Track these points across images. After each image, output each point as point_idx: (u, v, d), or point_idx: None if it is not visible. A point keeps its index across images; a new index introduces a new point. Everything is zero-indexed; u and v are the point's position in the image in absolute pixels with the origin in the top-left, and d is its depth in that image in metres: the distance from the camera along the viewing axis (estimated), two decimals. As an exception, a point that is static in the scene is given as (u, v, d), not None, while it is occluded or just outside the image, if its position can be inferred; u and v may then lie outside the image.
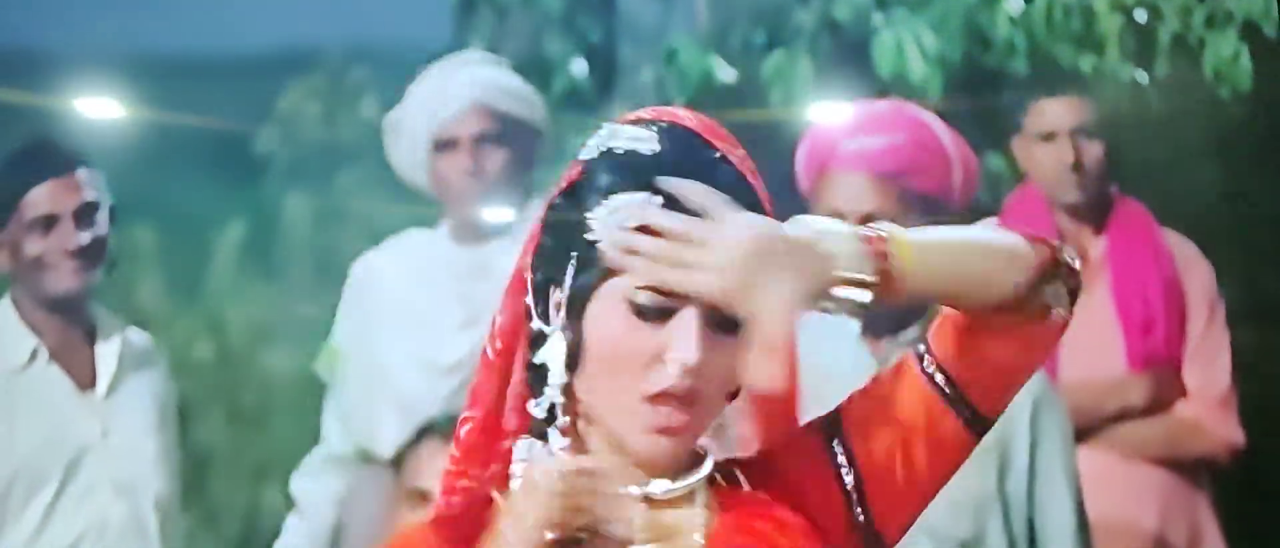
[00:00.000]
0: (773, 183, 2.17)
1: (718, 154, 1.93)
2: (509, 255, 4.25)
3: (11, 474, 3.85)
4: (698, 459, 1.97)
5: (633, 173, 1.90)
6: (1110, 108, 5.42)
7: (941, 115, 3.63)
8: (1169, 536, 4.31)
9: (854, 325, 3.49)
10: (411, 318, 4.18)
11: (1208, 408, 4.31)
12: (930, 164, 3.48)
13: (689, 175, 1.88)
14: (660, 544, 1.93)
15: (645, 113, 1.98)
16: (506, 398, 1.97)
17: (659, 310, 1.87)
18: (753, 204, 1.91)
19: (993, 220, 4.45)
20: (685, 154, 1.92)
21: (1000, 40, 5.91)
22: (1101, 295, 4.34)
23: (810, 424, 2.01)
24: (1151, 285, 4.33)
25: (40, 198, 3.91)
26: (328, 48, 6.09)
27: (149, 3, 6.19)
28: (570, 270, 1.92)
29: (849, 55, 6.00)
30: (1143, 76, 5.83)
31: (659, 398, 1.88)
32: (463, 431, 1.98)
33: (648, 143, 1.92)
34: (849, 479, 1.99)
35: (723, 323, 1.87)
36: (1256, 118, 5.83)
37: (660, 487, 1.93)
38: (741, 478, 1.98)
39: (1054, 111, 4.39)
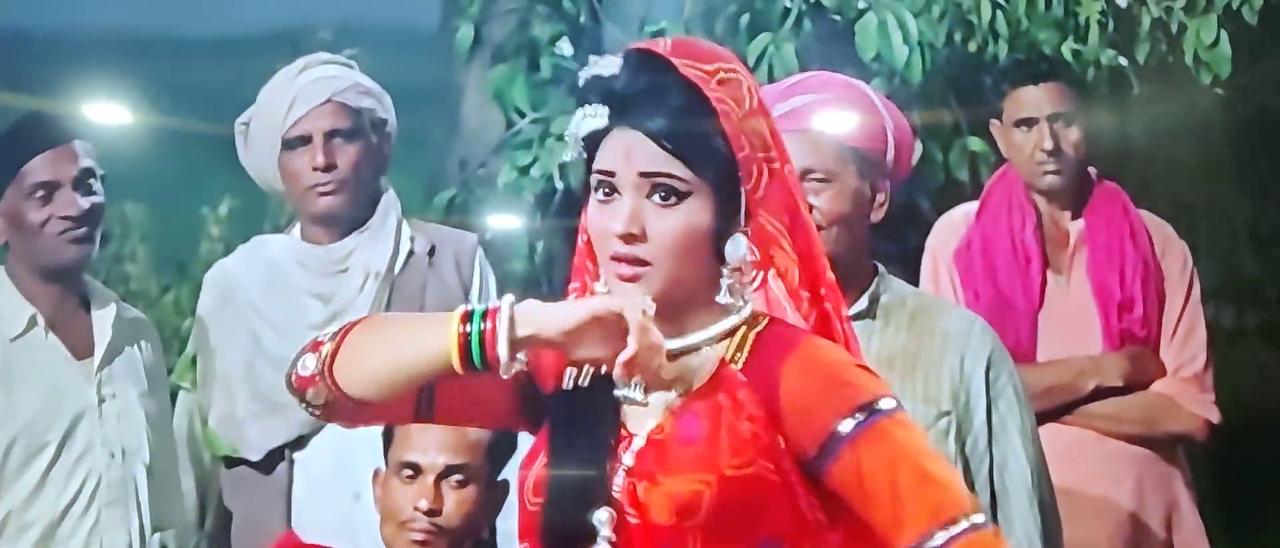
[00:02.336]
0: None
1: (674, 75, 2.40)
2: (364, 251, 4.26)
3: (10, 440, 3.87)
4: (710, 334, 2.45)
5: (595, 92, 2.43)
6: (1091, 92, 5.47)
7: (924, 97, 3.62)
8: (1145, 512, 4.33)
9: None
10: (271, 323, 4.16)
11: (1184, 386, 4.33)
12: (860, 120, 3.47)
13: (635, 91, 2.40)
14: (663, 389, 2.42)
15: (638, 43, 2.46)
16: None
17: (608, 189, 2.42)
18: (705, 112, 2.39)
19: (971, 205, 4.48)
20: (637, 74, 2.42)
21: (983, 24, 5.93)
22: (1079, 277, 4.37)
23: (815, 419, 2.37)
24: (1128, 266, 4.35)
25: (40, 166, 3.93)
26: (317, 28, 6.12)
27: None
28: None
29: (833, 39, 6.01)
30: (1124, 61, 5.86)
31: (614, 259, 2.41)
32: (571, 294, 2.51)
33: (611, 67, 2.44)
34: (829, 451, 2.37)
35: (665, 193, 2.39)
36: (1236, 102, 5.87)
37: (674, 343, 2.42)
38: (744, 354, 2.43)
39: (1032, 98, 4.38)
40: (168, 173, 5.93)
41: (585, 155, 2.45)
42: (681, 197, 2.39)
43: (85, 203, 3.94)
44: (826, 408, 2.35)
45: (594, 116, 2.41)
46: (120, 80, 5.52)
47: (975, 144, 5.97)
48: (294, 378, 2.45)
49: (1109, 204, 4.43)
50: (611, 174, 2.40)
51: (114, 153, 4.12)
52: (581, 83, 2.45)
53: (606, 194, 2.41)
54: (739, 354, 2.44)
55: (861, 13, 5.93)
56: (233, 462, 4.15)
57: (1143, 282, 4.35)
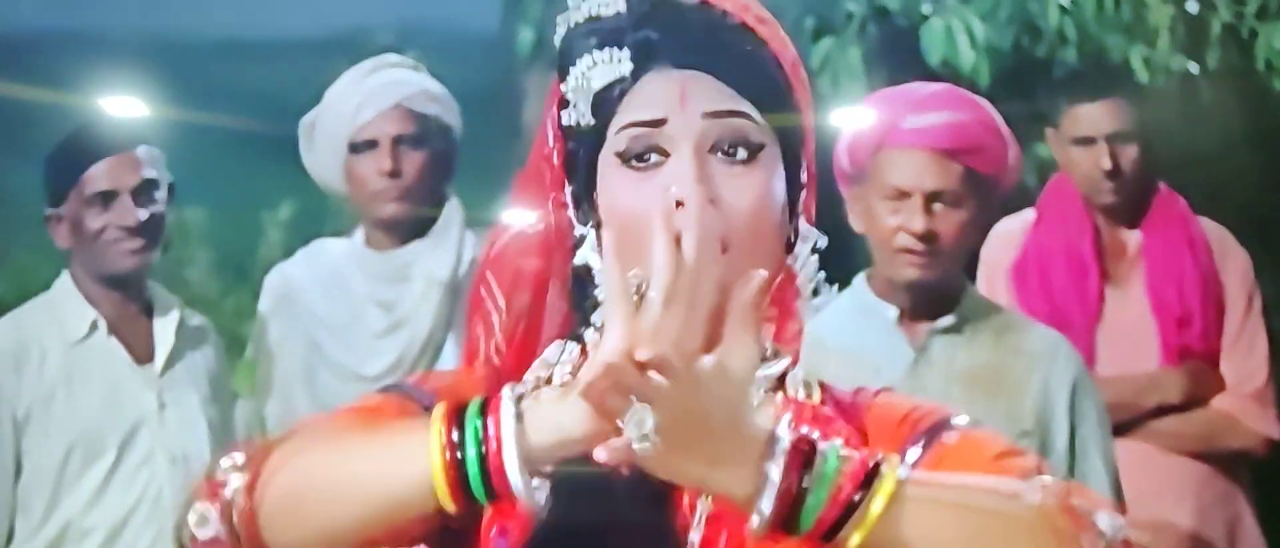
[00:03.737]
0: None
1: (705, 8, 1.81)
2: (426, 258, 4.31)
3: (70, 443, 3.95)
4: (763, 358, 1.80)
5: (599, 37, 1.80)
6: (1159, 98, 5.47)
7: (991, 102, 3.63)
8: (1206, 529, 4.36)
9: (891, 311, 3.54)
10: (331, 329, 4.21)
11: (1244, 401, 4.35)
12: (990, 144, 3.51)
13: (660, 27, 1.79)
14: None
15: None
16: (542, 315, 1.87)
17: (649, 153, 1.77)
18: (747, 47, 1.81)
19: (1026, 214, 4.49)
20: (656, 9, 1.80)
21: (1050, 30, 5.94)
22: (1137, 290, 4.39)
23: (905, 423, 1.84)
24: (1187, 279, 4.36)
25: (100, 173, 4.00)
26: (378, 31, 6.18)
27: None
28: (581, 158, 1.82)
29: (898, 43, 6.03)
30: (1193, 67, 5.85)
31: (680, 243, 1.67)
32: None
33: (612, 5, 1.81)
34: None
35: (734, 146, 1.77)
36: (1308, 110, 5.87)
37: None
38: (817, 395, 1.85)
39: (1090, 116, 4.38)
40: (228, 176, 6.00)
41: (593, 121, 1.79)
42: (753, 153, 1.77)
43: (143, 213, 3.99)
44: (901, 439, 1.81)
45: (611, 63, 1.78)
46: (179, 83, 5.59)
47: (1044, 150, 5.97)
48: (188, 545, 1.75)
49: (1168, 214, 4.43)
50: (659, 122, 1.76)
51: (173, 157, 4.18)
52: (569, 31, 1.83)
53: (642, 160, 1.76)
54: (810, 396, 1.85)
55: (926, 17, 5.96)
56: None
57: (1202, 294, 4.36)
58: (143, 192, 4.01)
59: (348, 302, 4.22)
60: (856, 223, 3.55)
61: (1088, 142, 4.38)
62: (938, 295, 3.53)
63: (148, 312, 4.10)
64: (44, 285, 4.11)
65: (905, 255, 3.47)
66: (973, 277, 4.41)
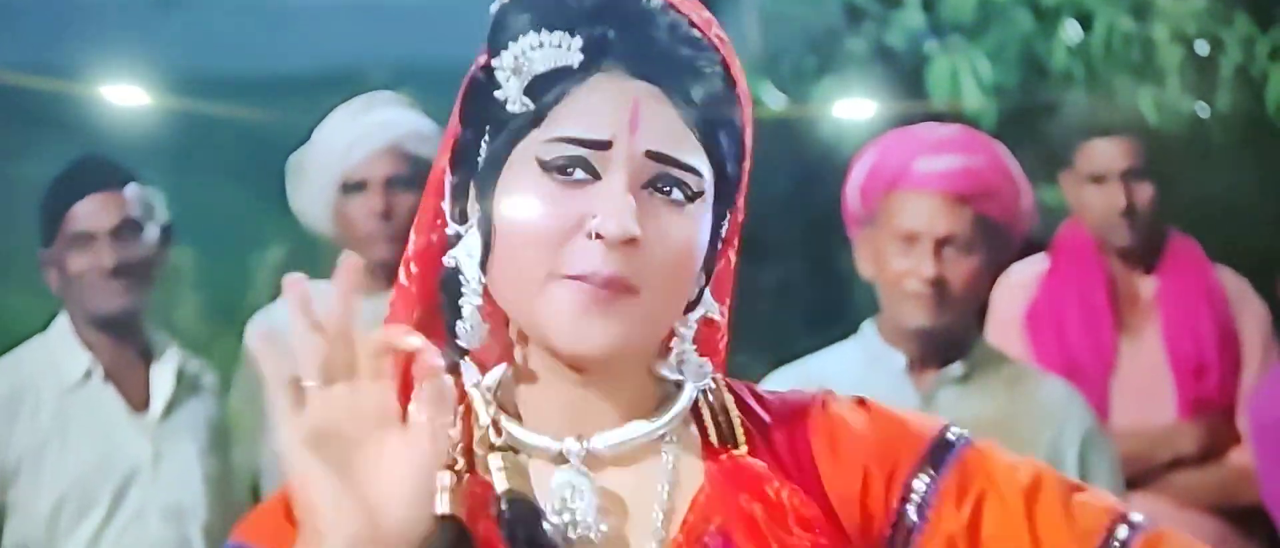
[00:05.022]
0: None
1: (673, 12, 1.64)
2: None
3: (62, 495, 3.94)
4: (663, 402, 1.67)
5: (546, 17, 1.61)
6: (1170, 141, 5.47)
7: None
8: (1222, 585, 4.35)
9: (900, 358, 3.54)
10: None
11: (1259, 455, 4.36)
12: (1003, 189, 3.53)
13: (620, 25, 1.62)
14: (610, 519, 1.61)
15: None
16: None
17: (576, 167, 1.61)
18: (708, 67, 1.65)
19: (1037, 261, 4.49)
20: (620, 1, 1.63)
21: (1057, 69, 5.94)
22: (1152, 339, 4.40)
23: (884, 446, 1.70)
24: (1203, 328, 4.36)
25: (80, 214, 3.98)
26: (373, 68, 6.17)
27: (196, 22, 6.28)
28: (483, 146, 1.65)
29: (902, 82, 6.03)
30: (1203, 109, 5.85)
31: (579, 278, 1.59)
32: None
33: None
34: (911, 518, 1.68)
35: (669, 187, 1.62)
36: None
37: (604, 441, 1.63)
38: (741, 435, 1.70)
39: (1104, 153, 4.39)
40: (217, 217, 5.98)
41: (530, 106, 1.61)
42: (690, 199, 1.62)
43: (124, 253, 3.96)
44: (889, 473, 1.67)
45: (560, 48, 1.60)
46: (169, 119, 5.58)
47: (1051, 195, 5.97)
48: None
49: (1184, 261, 4.44)
50: (604, 145, 1.60)
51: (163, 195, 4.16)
52: (509, 3, 1.64)
53: (566, 173, 1.61)
54: (732, 439, 1.68)
55: (932, 57, 5.95)
56: None
57: (1218, 344, 4.37)
58: (124, 232, 3.98)
59: None
60: (864, 267, 3.55)
61: (1102, 179, 4.38)
62: (947, 343, 3.54)
63: (145, 357, 4.07)
64: (33, 328, 4.09)
65: (914, 300, 3.48)
66: (983, 324, 4.44)
